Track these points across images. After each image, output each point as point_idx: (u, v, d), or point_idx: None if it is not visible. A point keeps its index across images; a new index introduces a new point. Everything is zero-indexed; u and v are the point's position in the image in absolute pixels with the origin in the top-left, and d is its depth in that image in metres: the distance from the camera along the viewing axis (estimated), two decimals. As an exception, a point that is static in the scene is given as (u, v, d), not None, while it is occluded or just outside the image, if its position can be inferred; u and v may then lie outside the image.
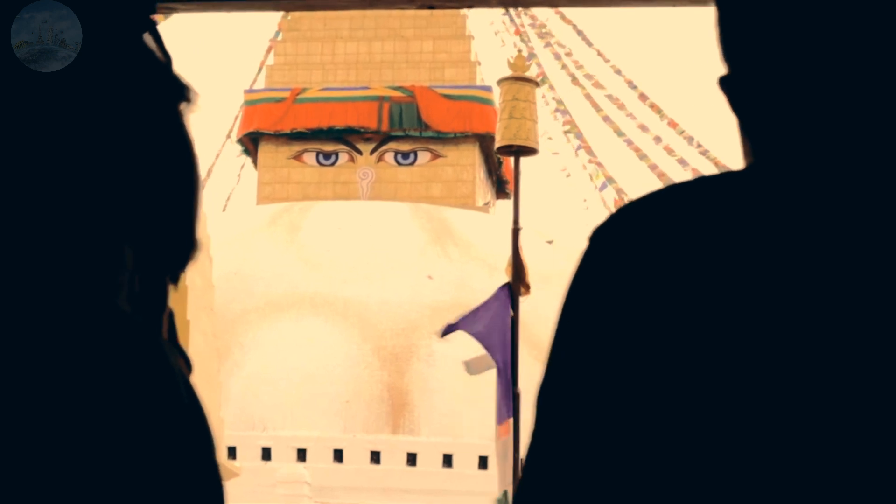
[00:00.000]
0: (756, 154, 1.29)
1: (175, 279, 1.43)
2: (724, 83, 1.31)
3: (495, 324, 12.84)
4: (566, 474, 1.21)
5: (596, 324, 1.24)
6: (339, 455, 23.45)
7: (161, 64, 1.39)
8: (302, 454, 23.29)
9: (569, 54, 36.27)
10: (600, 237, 1.27)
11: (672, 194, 1.27)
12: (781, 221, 1.21)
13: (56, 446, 1.21)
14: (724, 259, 1.20)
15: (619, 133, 34.45)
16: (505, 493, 12.52)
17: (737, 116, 1.32)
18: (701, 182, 1.28)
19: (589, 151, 34.61)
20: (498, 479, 13.02)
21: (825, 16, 1.25)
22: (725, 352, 1.17)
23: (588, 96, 35.45)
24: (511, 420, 12.60)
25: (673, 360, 1.18)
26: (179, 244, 1.41)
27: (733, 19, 1.31)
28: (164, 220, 1.39)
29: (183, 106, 1.41)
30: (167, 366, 1.30)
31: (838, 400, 1.16)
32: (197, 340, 15.80)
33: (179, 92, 1.40)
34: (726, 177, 1.27)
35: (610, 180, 33.74)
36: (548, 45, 36.65)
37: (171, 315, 1.46)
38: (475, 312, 13.15)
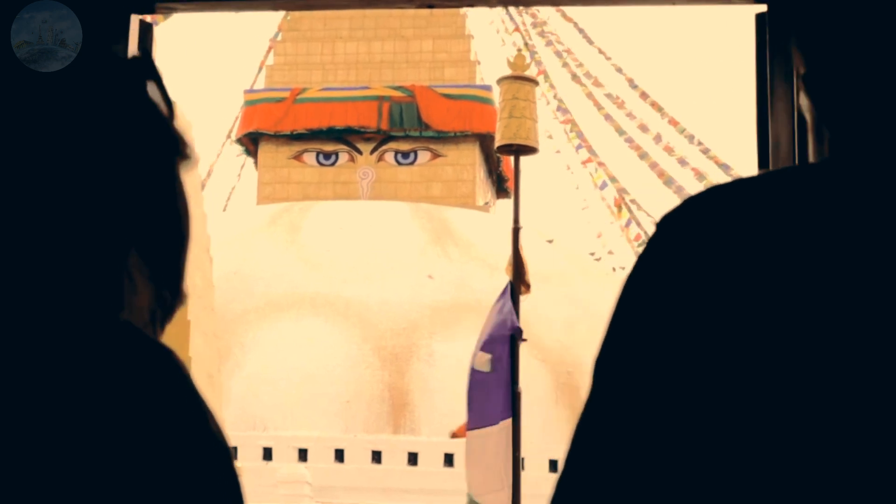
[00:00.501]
0: (834, 149, 1.29)
1: (161, 326, 1.46)
2: (806, 80, 1.31)
3: (493, 322, 12.84)
4: (616, 445, 1.21)
5: (655, 305, 1.24)
6: (339, 455, 23.45)
7: (163, 118, 1.41)
8: (303, 454, 23.29)
9: (569, 52, 36.26)
10: (668, 224, 1.28)
11: (745, 187, 1.27)
12: (861, 221, 1.20)
13: (81, 469, 1.22)
14: (795, 256, 1.19)
15: (620, 132, 34.43)
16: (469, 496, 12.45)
17: (818, 112, 1.31)
18: (775, 175, 1.28)
19: (590, 150, 34.60)
20: (466, 482, 12.89)
21: None
22: (788, 350, 1.16)
23: (590, 95, 35.44)
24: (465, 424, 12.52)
25: (729, 350, 1.18)
26: (166, 295, 1.44)
27: (811, 18, 1.31)
28: (153, 271, 1.41)
29: (180, 161, 1.42)
30: (185, 382, 1.32)
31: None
32: (197, 341, 15.80)
33: (177, 148, 1.42)
34: (804, 170, 1.27)
35: (612, 179, 33.71)
36: (549, 43, 36.64)
37: None
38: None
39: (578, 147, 34.87)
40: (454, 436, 12.73)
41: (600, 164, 34.26)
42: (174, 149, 1.42)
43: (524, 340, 12.79)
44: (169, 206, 1.42)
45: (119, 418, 1.24)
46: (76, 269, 1.33)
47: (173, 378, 1.30)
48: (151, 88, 1.41)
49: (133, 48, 3.27)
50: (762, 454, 1.17)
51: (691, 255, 1.23)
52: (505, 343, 12.63)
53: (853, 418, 1.14)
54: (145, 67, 1.40)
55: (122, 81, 1.39)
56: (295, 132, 31.25)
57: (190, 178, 1.47)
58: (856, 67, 1.27)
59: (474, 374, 12.63)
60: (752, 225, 1.22)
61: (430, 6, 3.77)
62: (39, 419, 1.23)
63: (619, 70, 35.83)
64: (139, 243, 1.38)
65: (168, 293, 1.43)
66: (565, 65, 36.19)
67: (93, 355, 1.28)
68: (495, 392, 12.57)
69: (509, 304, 12.76)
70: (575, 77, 35.92)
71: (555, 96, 35.78)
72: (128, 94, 1.39)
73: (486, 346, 12.71)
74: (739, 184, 1.27)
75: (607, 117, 34.94)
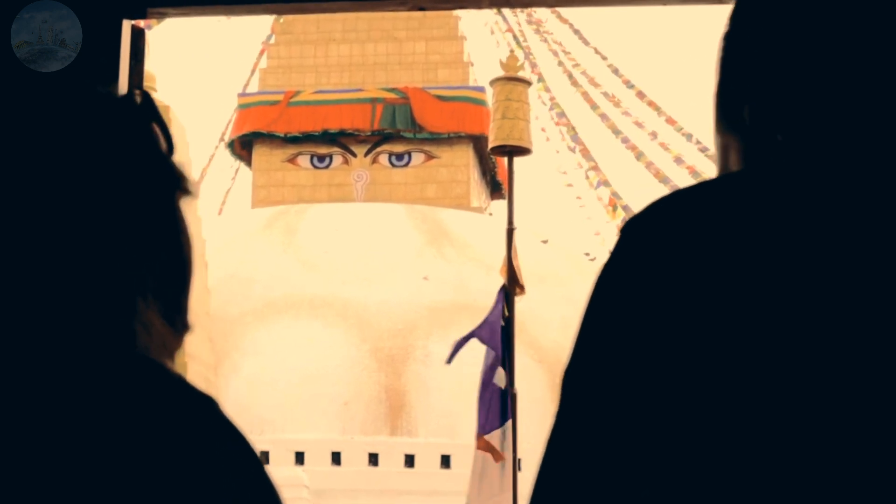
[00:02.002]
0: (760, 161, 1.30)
1: (171, 358, 1.47)
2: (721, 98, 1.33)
3: (488, 327, 12.86)
4: (588, 456, 1.21)
5: (623, 312, 1.24)
6: (336, 457, 23.44)
7: (162, 155, 1.44)
8: (300, 457, 23.27)
9: (565, 51, 36.25)
10: (633, 229, 1.28)
11: (708, 190, 1.28)
12: (818, 221, 1.21)
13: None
14: (755, 257, 1.20)
15: (616, 132, 34.42)
16: None
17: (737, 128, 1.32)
18: (737, 177, 1.28)
19: (585, 153, 34.56)
20: (471, 495, 12.89)
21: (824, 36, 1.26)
22: (751, 348, 1.16)
23: (585, 94, 35.44)
24: (487, 436, 12.54)
25: (697, 353, 1.18)
26: (173, 325, 1.46)
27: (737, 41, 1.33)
28: (159, 304, 1.42)
29: (180, 196, 1.45)
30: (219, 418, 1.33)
31: (872, 401, 1.16)
32: (194, 344, 15.82)
33: (177, 183, 1.45)
34: (767, 172, 1.27)
35: (607, 184, 33.66)
36: (544, 41, 36.64)
37: None
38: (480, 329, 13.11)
39: (574, 148, 34.87)
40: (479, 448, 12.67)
41: (595, 168, 34.22)
42: (175, 184, 1.45)
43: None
44: (172, 240, 1.45)
45: (146, 456, 1.26)
46: (88, 307, 1.35)
47: (204, 412, 1.32)
48: (151, 126, 1.44)
49: (125, 53, 3.27)
50: (737, 463, 1.17)
51: (656, 261, 1.23)
52: (494, 352, 12.64)
53: (816, 425, 1.15)
54: (145, 106, 1.43)
55: (123, 121, 1.42)
56: (289, 135, 31.22)
57: (189, 207, 1.51)
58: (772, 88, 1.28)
59: (490, 388, 12.68)
60: (717, 228, 1.22)
61: (422, 9, 3.79)
62: (62, 459, 1.23)
63: (616, 71, 35.83)
64: (146, 278, 1.40)
65: (175, 325, 1.45)
66: (561, 64, 36.20)
67: (120, 392, 1.29)
68: (494, 402, 12.61)
69: (497, 308, 12.80)
70: (571, 77, 35.92)
71: (551, 99, 35.76)
72: (129, 134, 1.42)
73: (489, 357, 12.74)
74: (702, 187, 1.28)
75: (603, 117, 34.94)
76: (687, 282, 1.21)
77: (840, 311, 1.17)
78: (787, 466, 1.16)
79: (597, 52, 36.26)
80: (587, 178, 34.08)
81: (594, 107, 35.06)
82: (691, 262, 1.21)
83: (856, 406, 1.16)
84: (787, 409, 1.17)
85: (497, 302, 12.87)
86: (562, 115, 35.44)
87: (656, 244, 1.24)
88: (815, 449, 1.16)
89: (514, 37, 36.21)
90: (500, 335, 12.49)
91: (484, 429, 12.51)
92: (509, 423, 12.40)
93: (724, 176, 1.29)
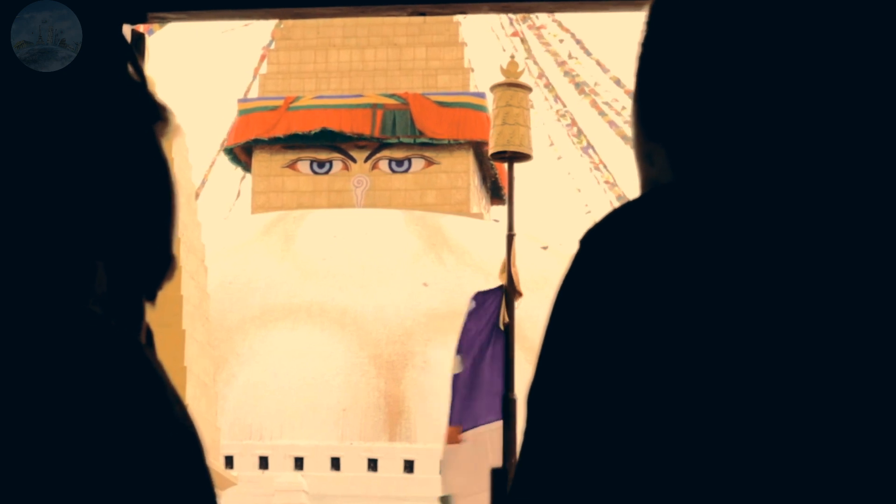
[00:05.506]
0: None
1: (151, 296, 1.42)
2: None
3: (471, 327, 12.88)
4: (558, 475, 1.20)
5: (585, 326, 1.23)
6: (336, 463, 23.44)
7: (135, 83, 1.39)
8: (299, 462, 23.28)
9: (566, 62, 36.30)
10: (592, 240, 1.26)
11: (666, 197, 1.26)
12: (778, 225, 1.20)
13: (37, 457, 1.20)
14: (715, 263, 1.19)
15: (625, 138, 34.48)
16: (448, 497, 12.43)
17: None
18: (697, 184, 1.27)
19: (596, 164, 34.62)
20: (441, 484, 12.92)
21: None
22: (714, 355, 1.16)
23: (593, 103, 35.53)
24: (459, 427, 12.53)
25: (662, 362, 1.17)
26: (154, 262, 1.40)
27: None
28: (139, 239, 1.38)
29: (159, 125, 1.41)
30: (153, 373, 1.28)
31: (819, 400, 1.15)
32: (192, 350, 15.81)
33: (154, 111, 1.40)
34: (722, 179, 1.26)
35: (620, 197, 33.67)
36: (546, 51, 36.70)
37: (149, 332, 1.45)
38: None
39: (584, 150, 34.93)
40: (449, 442, 12.67)
41: (609, 182, 34.24)
42: (152, 112, 1.39)
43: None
44: (152, 170, 1.38)
45: (78, 410, 1.21)
46: (48, 255, 1.30)
47: (135, 368, 1.27)
48: (122, 58, 1.39)
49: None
50: (702, 472, 1.17)
51: (618, 272, 1.21)
52: (489, 343, 12.65)
53: (781, 444, 1.15)
54: (114, 38, 1.39)
55: (94, 51, 1.38)
56: (290, 135, 31.22)
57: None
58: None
59: (454, 379, 12.73)
60: (679, 236, 1.21)
61: (422, 14, 3.78)
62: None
63: (618, 82, 35.88)
64: (124, 215, 1.34)
65: (159, 260, 1.39)
66: (566, 73, 36.24)
67: (55, 346, 1.24)
68: (479, 392, 12.59)
69: (496, 301, 12.82)
70: (578, 87, 35.99)
71: (562, 108, 35.82)
72: (102, 64, 1.37)
73: (465, 344, 12.76)
74: (663, 193, 1.26)
75: (611, 124, 35.02)
76: (650, 292, 1.20)
77: (812, 320, 1.16)
78: (760, 478, 1.16)
79: (598, 63, 36.32)
80: (598, 182, 34.14)
81: (602, 113, 35.14)
82: (654, 272, 1.20)
83: (806, 402, 1.16)
84: (754, 422, 1.16)
85: (486, 305, 12.90)
86: (570, 124, 35.51)
87: (617, 255, 1.22)
88: (780, 455, 1.16)
89: (517, 44, 36.25)
90: (480, 342, 12.52)
91: (467, 424, 12.49)
92: (498, 423, 12.38)
93: (685, 182, 1.27)
